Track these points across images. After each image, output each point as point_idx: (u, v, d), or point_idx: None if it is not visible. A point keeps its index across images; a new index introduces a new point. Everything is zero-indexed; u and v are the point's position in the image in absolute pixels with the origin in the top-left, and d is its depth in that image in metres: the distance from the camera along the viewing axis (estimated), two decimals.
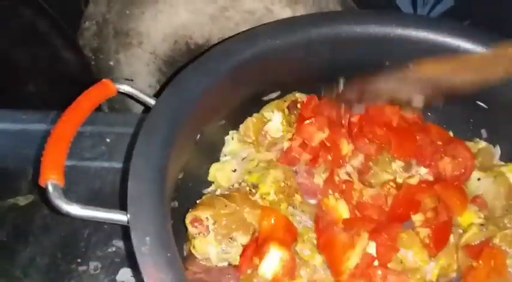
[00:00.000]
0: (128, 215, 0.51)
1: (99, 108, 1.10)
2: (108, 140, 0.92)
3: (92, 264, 0.77)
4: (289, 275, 0.62)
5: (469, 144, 0.80)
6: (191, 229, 0.65)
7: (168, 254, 0.48)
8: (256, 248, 0.63)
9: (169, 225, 0.53)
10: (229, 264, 0.65)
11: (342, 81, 0.76)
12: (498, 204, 0.71)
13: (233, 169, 0.73)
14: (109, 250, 0.79)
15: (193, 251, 0.65)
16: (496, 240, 0.67)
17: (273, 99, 0.81)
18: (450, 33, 0.76)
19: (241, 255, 0.64)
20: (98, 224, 0.81)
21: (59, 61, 1.08)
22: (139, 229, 0.49)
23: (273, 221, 0.65)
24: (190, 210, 0.65)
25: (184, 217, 0.66)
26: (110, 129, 0.92)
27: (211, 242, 0.64)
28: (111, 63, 1.08)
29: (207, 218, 0.64)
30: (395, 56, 0.78)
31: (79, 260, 0.77)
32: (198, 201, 0.67)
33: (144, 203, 0.52)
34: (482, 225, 0.69)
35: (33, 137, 0.88)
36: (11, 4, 0.97)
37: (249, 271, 0.62)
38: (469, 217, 0.70)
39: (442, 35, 0.76)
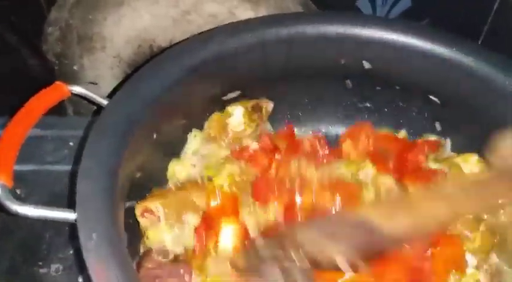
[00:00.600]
0: (76, 213, 0.51)
1: (64, 113, 1.12)
2: (71, 143, 0.91)
3: (54, 267, 0.77)
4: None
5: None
6: (142, 221, 0.66)
7: (115, 250, 0.49)
8: (207, 227, 0.65)
9: (120, 224, 0.53)
10: (185, 252, 0.67)
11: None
12: None
13: (193, 164, 0.74)
14: (70, 252, 0.78)
15: (147, 243, 0.66)
16: (458, 225, 0.68)
17: (233, 99, 0.82)
18: (405, 33, 0.78)
19: (195, 238, 0.66)
20: (59, 227, 0.81)
21: (22, 68, 1.07)
22: (86, 226, 0.50)
23: (218, 200, 0.67)
24: (138, 202, 0.66)
25: None
26: (73, 133, 0.92)
27: (164, 229, 0.66)
28: (75, 68, 1.08)
29: (156, 207, 0.65)
30: (351, 55, 0.80)
31: (40, 263, 0.77)
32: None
33: (92, 201, 0.52)
34: None
35: None
36: None
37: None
38: None
39: (397, 35, 0.78)
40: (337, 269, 0.58)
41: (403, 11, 1.08)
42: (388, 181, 0.74)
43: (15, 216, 0.80)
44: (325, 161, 0.78)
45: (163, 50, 1.03)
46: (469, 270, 0.67)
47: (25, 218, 0.79)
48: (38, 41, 1.07)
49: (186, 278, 0.61)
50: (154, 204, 0.66)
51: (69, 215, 0.52)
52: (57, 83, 0.65)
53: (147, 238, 0.66)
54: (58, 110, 1.11)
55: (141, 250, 0.67)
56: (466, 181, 0.69)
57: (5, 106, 1.08)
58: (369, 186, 0.72)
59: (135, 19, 1.02)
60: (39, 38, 1.07)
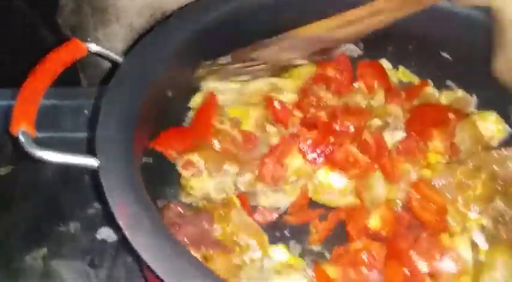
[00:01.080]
0: (97, 159, 0.53)
1: (78, 83, 1.14)
2: (86, 112, 0.93)
3: (72, 225, 0.79)
4: None
5: (446, 92, 0.82)
6: (184, 172, 0.69)
7: (135, 187, 0.50)
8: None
9: (137, 167, 0.55)
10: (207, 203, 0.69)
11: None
12: (463, 149, 0.74)
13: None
14: (88, 211, 0.81)
15: (192, 192, 0.69)
16: (458, 174, 0.70)
17: None
18: None
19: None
20: (76, 187, 0.84)
21: (38, 40, 1.09)
22: (107, 169, 0.52)
23: None
24: (180, 155, 0.69)
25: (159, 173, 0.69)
26: (88, 102, 0.94)
27: (206, 179, 0.69)
28: (89, 39, 1.09)
29: (197, 160, 0.68)
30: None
31: (59, 222, 0.80)
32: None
33: (112, 147, 0.54)
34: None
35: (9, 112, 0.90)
36: None
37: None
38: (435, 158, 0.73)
39: None
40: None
41: None
42: (395, 109, 0.76)
43: (35, 180, 0.84)
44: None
45: None
46: (473, 215, 0.69)
47: (44, 182, 0.84)
48: (53, 14, 1.09)
49: (206, 225, 0.63)
50: (195, 157, 0.68)
51: (91, 161, 0.54)
52: (74, 39, 0.66)
53: (191, 188, 0.69)
54: (73, 81, 1.13)
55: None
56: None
57: (20, 78, 1.11)
58: (379, 111, 0.76)
59: None
60: (54, 11, 1.09)
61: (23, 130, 0.54)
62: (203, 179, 0.69)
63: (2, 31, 1.05)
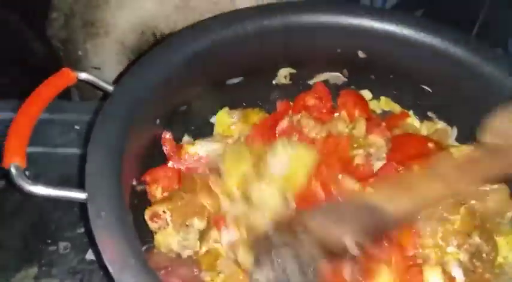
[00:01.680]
0: (86, 193, 0.55)
1: (69, 98, 1.15)
2: (77, 127, 0.95)
3: (62, 245, 0.81)
4: None
5: (427, 123, 0.85)
6: (151, 225, 0.69)
7: (123, 226, 0.52)
8: None
9: (125, 203, 0.57)
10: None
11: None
12: None
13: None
14: (78, 231, 0.82)
15: (157, 246, 0.69)
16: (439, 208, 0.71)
17: (236, 84, 0.84)
18: (398, 23, 0.80)
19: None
20: (67, 207, 0.85)
21: (28, 52, 1.10)
22: (95, 205, 0.54)
23: None
24: (147, 207, 0.69)
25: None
26: (79, 117, 0.95)
27: (171, 233, 0.68)
28: (80, 53, 1.11)
29: (164, 211, 0.68)
30: (346, 44, 0.82)
31: (49, 241, 0.81)
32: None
33: (101, 181, 0.56)
34: None
35: (6, 125, 0.91)
36: None
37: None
38: None
39: (390, 25, 0.80)
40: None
41: (398, 1, 1.10)
42: (378, 140, 0.78)
43: (26, 197, 0.85)
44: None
45: (165, 37, 1.07)
46: (450, 249, 0.71)
47: (35, 199, 0.86)
48: (43, 26, 1.10)
49: (195, 271, 0.64)
50: (162, 207, 0.68)
51: (79, 195, 0.56)
52: (64, 69, 0.68)
53: (157, 242, 0.69)
54: (64, 95, 1.14)
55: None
56: (459, 160, 0.72)
57: (11, 88, 1.11)
58: (360, 141, 0.77)
59: (137, 5, 1.05)
60: (44, 24, 1.10)
61: (14, 164, 0.56)
62: (168, 233, 0.68)
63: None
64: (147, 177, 0.71)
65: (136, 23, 1.06)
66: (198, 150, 0.76)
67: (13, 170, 0.56)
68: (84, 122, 0.95)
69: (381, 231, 0.66)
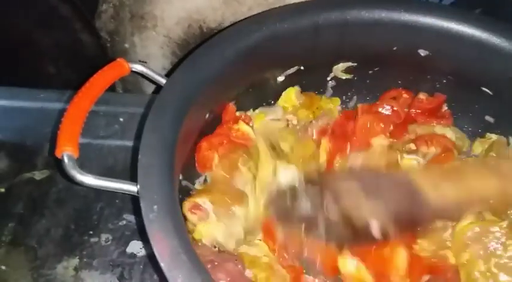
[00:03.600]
0: (138, 186, 0.54)
1: (113, 89, 1.15)
2: (121, 119, 0.95)
3: (104, 236, 0.81)
4: None
5: (481, 140, 0.82)
6: (191, 217, 0.67)
7: (175, 221, 0.51)
8: None
9: (177, 197, 0.55)
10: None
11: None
12: None
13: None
14: (120, 223, 0.82)
15: (197, 237, 0.67)
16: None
17: (291, 75, 0.83)
18: (459, 21, 0.77)
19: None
20: (109, 198, 0.85)
21: (77, 43, 1.11)
22: (147, 198, 0.52)
23: None
24: (185, 199, 0.68)
25: None
26: (123, 109, 0.95)
27: (215, 224, 0.67)
28: (127, 45, 1.11)
29: (204, 202, 0.67)
30: (403, 41, 0.79)
31: (91, 232, 0.81)
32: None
33: (153, 174, 0.54)
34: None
35: (50, 115, 0.92)
36: None
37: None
38: None
39: (451, 22, 0.77)
40: (367, 234, 0.55)
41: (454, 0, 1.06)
42: None
43: (69, 188, 0.86)
44: None
45: (212, 30, 1.06)
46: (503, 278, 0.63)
47: (78, 191, 0.86)
48: (91, 18, 1.10)
49: (240, 266, 0.62)
50: (202, 199, 0.67)
51: (131, 187, 0.54)
52: (119, 60, 0.67)
53: (200, 235, 0.68)
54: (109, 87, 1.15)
55: None
56: None
57: (57, 78, 1.13)
58: None
59: None
60: (93, 15, 1.10)
61: (67, 153, 0.55)
62: (210, 224, 0.67)
63: (45, 35, 1.07)
64: (204, 143, 0.71)
65: (183, 17, 1.05)
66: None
67: (66, 159, 0.55)
68: (128, 114, 0.95)
69: (414, 221, 0.58)
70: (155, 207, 0.51)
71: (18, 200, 0.84)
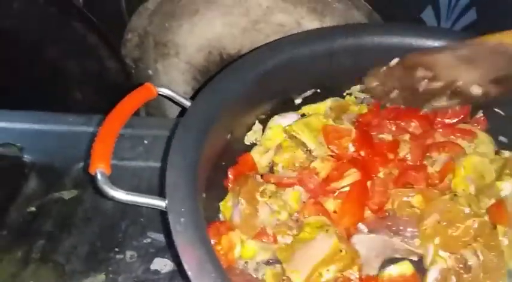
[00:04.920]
0: (166, 201, 0.57)
1: (137, 114, 1.20)
2: (145, 141, 0.99)
3: (128, 253, 0.84)
4: None
5: (495, 157, 0.82)
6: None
7: (201, 233, 0.54)
8: None
9: (202, 210, 0.59)
10: None
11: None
12: None
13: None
14: (144, 241, 0.85)
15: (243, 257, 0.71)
16: None
17: (309, 97, 0.87)
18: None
19: None
20: (134, 216, 0.88)
21: (103, 70, 1.16)
22: (175, 211, 0.56)
23: None
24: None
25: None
26: (148, 132, 0.99)
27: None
28: (150, 72, 1.16)
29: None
30: None
31: (116, 249, 0.84)
32: None
33: (180, 190, 0.58)
34: None
35: (78, 138, 0.97)
36: (65, 17, 1.07)
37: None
38: None
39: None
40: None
41: (467, 24, 1.09)
42: None
43: (96, 206, 0.90)
44: None
45: (231, 57, 1.11)
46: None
47: (104, 209, 0.89)
48: (117, 46, 1.16)
49: None
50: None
51: (160, 203, 0.58)
52: (147, 84, 0.71)
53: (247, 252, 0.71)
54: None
55: None
56: None
57: (85, 104, 1.18)
58: None
59: (207, 28, 1.09)
60: (119, 43, 1.16)
61: (100, 170, 0.59)
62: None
63: (73, 62, 1.13)
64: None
65: (204, 44, 1.10)
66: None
67: (99, 176, 0.59)
68: (152, 136, 0.99)
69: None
70: (182, 219, 0.54)
71: (48, 219, 0.88)
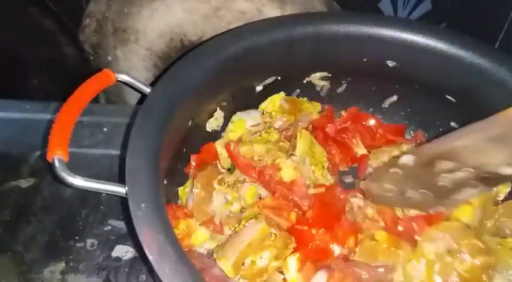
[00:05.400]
0: (126, 187, 0.57)
1: (96, 101, 1.18)
2: (105, 129, 0.98)
3: (89, 241, 0.83)
4: None
5: None
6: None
7: (161, 217, 0.55)
8: None
9: (162, 196, 0.59)
10: None
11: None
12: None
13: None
14: (105, 229, 0.85)
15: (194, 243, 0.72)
16: None
17: (270, 84, 0.87)
18: (425, 34, 0.82)
19: None
20: (94, 205, 0.88)
21: (61, 57, 1.14)
22: (135, 197, 0.56)
23: None
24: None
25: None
26: (107, 119, 0.98)
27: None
28: (109, 58, 1.14)
29: None
30: (372, 53, 0.85)
31: (77, 237, 0.83)
32: None
33: (140, 175, 0.58)
34: None
35: (35, 125, 0.95)
36: (21, 3, 1.03)
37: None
38: None
39: (417, 36, 0.82)
40: (499, 179, 0.52)
41: (422, 14, 1.12)
42: None
43: (54, 195, 0.88)
44: None
45: (193, 44, 1.10)
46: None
47: (63, 197, 0.88)
48: (75, 32, 1.14)
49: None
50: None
51: (120, 189, 0.58)
52: (105, 70, 0.70)
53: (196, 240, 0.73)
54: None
55: None
56: None
57: (42, 90, 1.15)
58: None
59: (168, 14, 1.08)
60: (77, 29, 1.14)
61: (58, 157, 0.58)
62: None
63: (29, 48, 1.10)
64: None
65: (165, 31, 1.09)
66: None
67: (56, 163, 0.59)
68: (111, 123, 0.98)
69: None
70: (143, 205, 0.55)
71: (5, 207, 0.86)
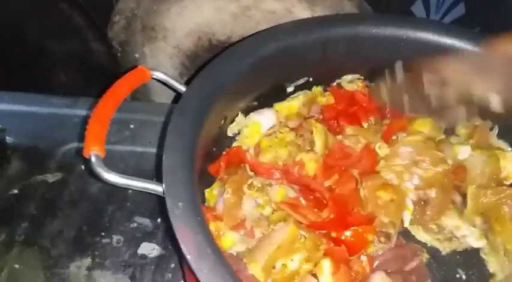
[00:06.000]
0: (163, 185, 0.57)
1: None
2: (131, 126, 0.98)
3: (115, 238, 0.83)
4: None
5: (466, 123, 0.83)
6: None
7: (198, 217, 0.54)
8: None
9: (199, 195, 0.58)
10: None
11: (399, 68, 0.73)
12: (479, 181, 0.77)
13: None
14: (131, 226, 0.85)
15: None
16: None
17: (301, 85, 0.87)
18: (459, 37, 0.80)
19: None
20: (121, 201, 0.88)
21: (88, 53, 1.14)
22: (173, 196, 0.55)
23: None
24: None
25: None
26: (134, 116, 0.98)
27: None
28: (137, 55, 1.14)
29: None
30: (407, 56, 0.83)
31: (103, 234, 0.83)
32: None
33: (177, 174, 0.57)
34: None
35: (63, 120, 0.95)
36: None
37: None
38: None
39: (451, 38, 0.80)
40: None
41: (456, 19, 1.11)
42: None
43: (82, 190, 0.88)
44: None
45: (221, 43, 1.10)
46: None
47: (90, 193, 0.88)
48: (103, 28, 1.14)
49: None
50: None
51: (157, 187, 0.57)
52: (140, 67, 0.70)
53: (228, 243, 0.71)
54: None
55: None
56: None
57: (69, 86, 1.16)
58: None
59: (196, 12, 1.08)
60: (105, 26, 1.14)
61: (94, 153, 0.58)
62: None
63: (58, 43, 1.10)
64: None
65: (194, 29, 1.09)
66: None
67: (93, 158, 0.58)
68: (138, 120, 0.98)
69: None
70: (180, 204, 0.54)
71: (31, 201, 0.86)
